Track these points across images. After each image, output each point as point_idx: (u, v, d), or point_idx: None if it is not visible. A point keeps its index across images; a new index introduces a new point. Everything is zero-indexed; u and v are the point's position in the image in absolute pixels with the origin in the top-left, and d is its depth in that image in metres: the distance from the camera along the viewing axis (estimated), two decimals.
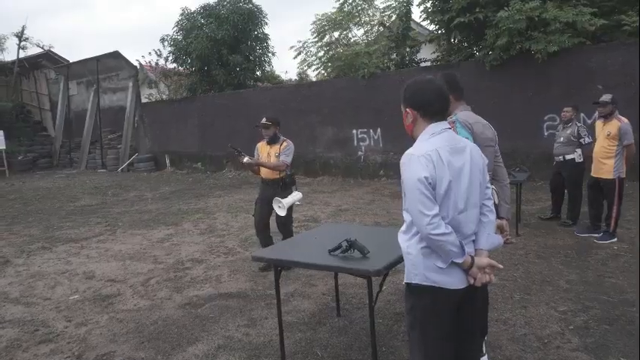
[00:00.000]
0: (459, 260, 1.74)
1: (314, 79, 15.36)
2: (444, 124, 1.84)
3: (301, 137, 12.35)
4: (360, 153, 11.39)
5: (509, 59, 8.58)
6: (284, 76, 21.24)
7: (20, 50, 19.05)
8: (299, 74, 17.97)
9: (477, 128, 2.41)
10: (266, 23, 15.29)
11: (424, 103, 1.83)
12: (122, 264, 5.28)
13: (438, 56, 10.72)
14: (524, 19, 7.94)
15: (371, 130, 11.10)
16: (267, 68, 16.38)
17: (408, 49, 11.65)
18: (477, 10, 8.64)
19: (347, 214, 7.44)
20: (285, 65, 57.11)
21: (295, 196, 4.69)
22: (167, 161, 15.41)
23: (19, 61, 19.10)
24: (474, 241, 1.87)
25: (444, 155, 1.74)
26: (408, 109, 1.87)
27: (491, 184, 2.52)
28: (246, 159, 4.60)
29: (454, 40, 9.96)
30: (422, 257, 1.77)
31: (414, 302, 1.83)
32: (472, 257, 1.79)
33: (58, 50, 21.05)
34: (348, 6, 12.34)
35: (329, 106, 11.63)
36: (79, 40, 50.34)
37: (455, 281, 1.78)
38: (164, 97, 16.69)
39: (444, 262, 1.75)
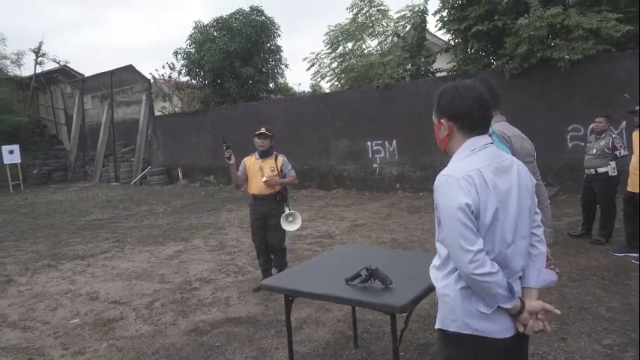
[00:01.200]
0: (508, 305, 1.44)
1: (327, 91, 15.18)
2: (485, 139, 1.55)
3: (314, 149, 12.14)
4: (375, 165, 11.10)
5: (530, 68, 8.26)
6: (297, 89, 21.18)
7: (37, 65, 19.31)
8: (312, 86, 17.84)
9: (515, 141, 2.11)
10: (279, 35, 15.22)
11: (463, 113, 1.54)
12: (128, 284, 5.05)
13: (454, 66, 10.41)
14: (545, 27, 7.62)
15: (386, 142, 10.82)
16: (280, 80, 16.27)
17: (423, 60, 11.38)
18: (496, 17, 8.36)
19: (363, 230, 7.13)
20: (298, 77, 57.30)
21: (297, 215, 4.46)
22: (180, 174, 15.30)
23: (36, 76, 19.33)
24: (521, 277, 1.57)
25: (488, 177, 1.46)
26: (442, 120, 1.58)
27: None
28: (232, 161, 4.28)
29: (471, 49, 9.65)
30: (461, 300, 1.48)
31: (450, 353, 1.53)
32: (522, 301, 1.49)
33: (73, 65, 21.36)
34: (361, 16, 12.16)
35: (343, 117, 11.39)
36: (94, 55, 51.24)
37: (501, 329, 1.47)
38: (177, 110, 16.66)
39: (489, 306, 1.45)
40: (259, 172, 4.45)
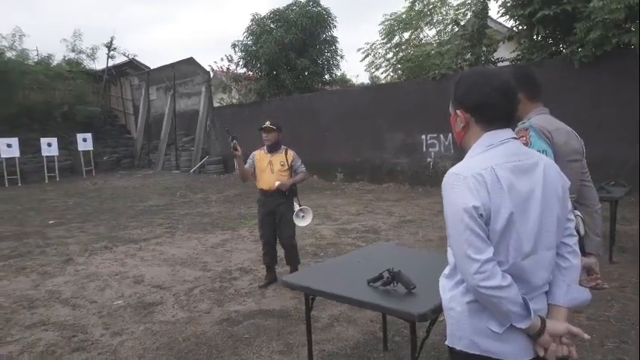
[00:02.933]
0: (522, 325, 1.25)
1: (383, 82, 14.86)
2: (506, 133, 1.35)
3: (367, 142, 11.93)
4: (429, 159, 10.72)
5: (603, 55, 7.52)
6: (355, 80, 20.92)
7: (109, 59, 20.55)
8: (371, 78, 17.53)
9: (558, 137, 1.85)
10: (335, 26, 15.06)
11: (481, 104, 1.35)
12: (172, 269, 5.22)
13: (518, 55, 9.74)
14: (622, 9, 6.87)
15: (441, 136, 10.40)
16: (336, 72, 16.14)
17: (484, 49, 10.76)
18: (565, 1, 7.68)
19: (411, 227, 6.89)
20: (356, 69, 56.75)
21: (308, 211, 4.40)
22: (235, 164, 15.71)
23: (108, 69, 20.58)
24: (547, 292, 1.37)
25: (503, 176, 1.26)
26: (458, 111, 1.40)
27: (576, 210, 1.96)
28: (239, 152, 4.21)
29: (537, 36, 8.95)
30: (468, 315, 1.30)
31: None
32: (543, 320, 1.29)
33: (141, 59, 22.52)
34: (419, 4, 11.71)
35: (397, 109, 11.08)
36: (161, 50, 53.91)
37: (515, 351, 1.28)
38: (234, 101, 17.07)
39: (500, 324, 1.27)
40: (268, 166, 4.39)
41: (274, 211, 4.44)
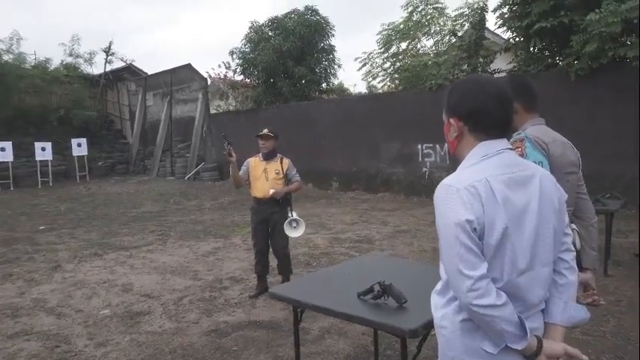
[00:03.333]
0: (518, 346, 1.19)
1: (380, 92, 14.87)
2: (501, 143, 1.30)
3: (363, 151, 11.89)
4: (424, 169, 10.68)
5: (599, 68, 7.53)
6: (353, 89, 20.94)
7: (107, 64, 20.50)
8: (368, 87, 17.55)
9: (554, 149, 1.80)
10: (333, 35, 15.10)
11: (475, 112, 1.29)
12: (162, 278, 5.12)
13: (514, 66, 9.77)
14: (619, 22, 6.89)
15: (437, 146, 10.38)
16: (334, 81, 16.15)
17: (481, 60, 10.79)
18: (562, 13, 7.70)
19: (405, 237, 6.83)
20: (354, 78, 57.03)
21: (300, 222, 4.33)
22: (230, 170, 15.62)
23: (105, 74, 20.53)
24: (543, 310, 1.30)
25: (497, 188, 1.21)
26: (451, 120, 1.35)
27: (572, 224, 1.90)
28: (233, 158, 4.15)
29: (534, 48, 8.97)
30: (461, 334, 1.24)
31: None
32: (539, 340, 1.22)
33: (139, 64, 22.50)
34: (416, 14, 11.75)
35: (393, 119, 11.06)
36: (160, 55, 53.96)
37: None
38: (231, 108, 17.04)
39: (495, 344, 1.20)
40: (263, 174, 4.33)
41: (268, 220, 4.38)
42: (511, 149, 1.32)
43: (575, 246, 1.86)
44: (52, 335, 3.64)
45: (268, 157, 4.39)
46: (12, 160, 15.13)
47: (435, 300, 1.34)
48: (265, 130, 4.38)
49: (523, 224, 1.22)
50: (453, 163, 10.00)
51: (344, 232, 7.30)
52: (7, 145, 15.13)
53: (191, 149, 16.93)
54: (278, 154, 4.47)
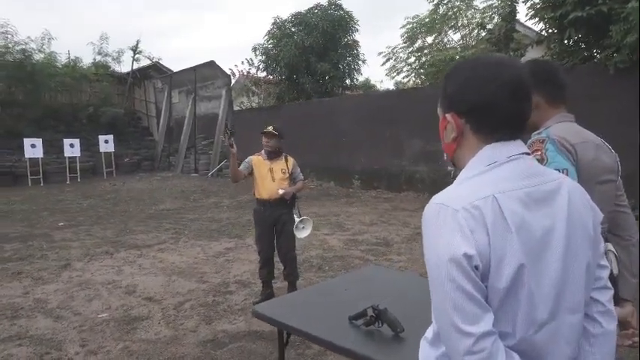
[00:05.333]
0: None
1: (404, 87, 14.44)
2: (514, 147, 0.98)
3: (386, 148, 11.53)
4: (449, 168, 10.22)
5: None
6: (379, 85, 20.52)
7: (134, 62, 20.78)
8: (396, 84, 17.10)
9: (584, 152, 1.44)
10: (357, 30, 14.76)
11: (480, 106, 0.97)
12: (167, 279, 4.96)
13: (547, 60, 9.20)
14: None
15: None
16: (358, 77, 15.81)
17: (511, 53, 10.22)
18: (600, 1, 7.13)
19: None
20: (380, 74, 56.20)
21: (308, 222, 4.09)
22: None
23: (133, 72, 20.82)
24: None
25: (509, 208, 0.89)
26: (448, 115, 1.04)
27: (608, 243, 1.56)
28: (234, 149, 3.90)
29: (568, 39, 8.39)
30: None
31: None
32: None
33: (166, 62, 22.70)
34: (443, 7, 11.27)
35: (417, 115, 10.64)
36: (186, 53, 54.73)
37: None
38: (254, 105, 16.95)
39: None
40: (269, 174, 4.09)
41: (275, 223, 4.14)
42: (528, 154, 1.00)
43: (612, 270, 1.52)
44: (44, 340, 3.51)
45: (273, 155, 4.16)
46: (42, 156, 15.48)
47: (426, 351, 1.03)
48: (270, 128, 4.13)
49: (545, 258, 0.90)
50: None
51: (362, 234, 7.00)
52: (38, 142, 15.48)
53: (214, 146, 16.92)
54: (283, 153, 4.22)
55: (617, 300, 1.51)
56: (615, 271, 1.52)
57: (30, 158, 15.22)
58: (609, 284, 1.02)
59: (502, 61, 1.00)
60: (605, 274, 1.02)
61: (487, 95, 0.96)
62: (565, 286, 0.92)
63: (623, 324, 1.46)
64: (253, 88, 16.79)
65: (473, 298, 0.84)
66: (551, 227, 0.92)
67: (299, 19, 14.61)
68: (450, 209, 0.89)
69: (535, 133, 1.52)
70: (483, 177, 0.94)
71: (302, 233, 4.14)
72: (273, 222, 4.18)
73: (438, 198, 0.94)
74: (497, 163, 0.95)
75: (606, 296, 1.01)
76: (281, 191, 4.06)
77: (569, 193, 0.97)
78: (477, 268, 0.85)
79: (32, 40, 17.63)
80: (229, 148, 3.94)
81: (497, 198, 0.89)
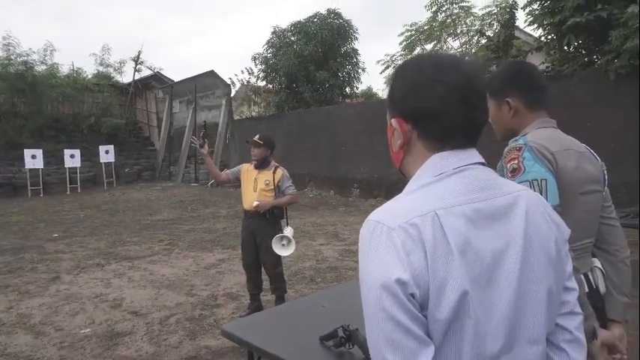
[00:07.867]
0: None
1: None
2: (468, 155, 0.86)
3: (385, 157, 11.40)
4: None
5: None
6: (381, 94, 20.47)
7: (135, 72, 20.88)
8: None
9: (564, 160, 1.31)
10: (356, 38, 14.75)
11: (425, 111, 0.86)
12: (155, 293, 4.84)
13: (547, 67, 9.08)
14: None
15: None
16: (358, 85, 15.77)
17: (510, 60, 10.14)
18: (599, 6, 7.03)
19: None
20: (381, 83, 56.34)
21: (291, 240, 3.90)
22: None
23: (134, 82, 20.89)
24: None
25: (452, 227, 0.77)
26: (394, 120, 0.92)
27: (595, 258, 1.43)
28: (205, 150, 3.95)
29: (568, 45, 8.30)
30: None
31: None
32: None
33: (167, 73, 22.83)
34: (441, 14, 11.22)
35: None
36: (187, 63, 55.14)
37: None
38: (253, 114, 16.93)
39: None
40: (252, 183, 3.98)
41: (254, 234, 4.03)
42: (483, 163, 0.88)
43: (598, 289, 1.40)
44: (22, 357, 3.39)
45: (260, 165, 4.04)
46: (42, 167, 15.47)
47: None
48: (255, 137, 4.03)
49: (495, 285, 0.78)
50: None
51: (357, 244, 6.85)
52: (38, 152, 15.48)
53: (214, 155, 16.85)
54: (273, 164, 4.10)
55: (605, 321, 1.38)
56: (602, 290, 1.39)
57: (30, 169, 15.22)
58: (577, 309, 0.89)
59: (454, 62, 0.87)
60: (573, 297, 0.89)
61: (434, 100, 0.84)
62: (522, 315, 0.79)
63: (610, 348, 1.33)
64: (254, 97, 16.77)
65: (408, 331, 0.72)
66: (503, 248, 0.79)
67: (298, 28, 14.62)
68: (386, 227, 0.77)
69: (512, 140, 1.41)
70: (427, 190, 0.82)
71: (283, 251, 3.97)
72: (252, 233, 4.06)
73: (374, 214, 0.82)
74: (445, 174, 0.83)
75: (574, 323, 0.89)
76: (255, 203, 3.93)
77: (527, 208, 0.84)
78: (413, 296, 0.73)
79: (34, 52, 17.77)
80: (199, 149, 3.88)
81: (438, 215, 0.77)
